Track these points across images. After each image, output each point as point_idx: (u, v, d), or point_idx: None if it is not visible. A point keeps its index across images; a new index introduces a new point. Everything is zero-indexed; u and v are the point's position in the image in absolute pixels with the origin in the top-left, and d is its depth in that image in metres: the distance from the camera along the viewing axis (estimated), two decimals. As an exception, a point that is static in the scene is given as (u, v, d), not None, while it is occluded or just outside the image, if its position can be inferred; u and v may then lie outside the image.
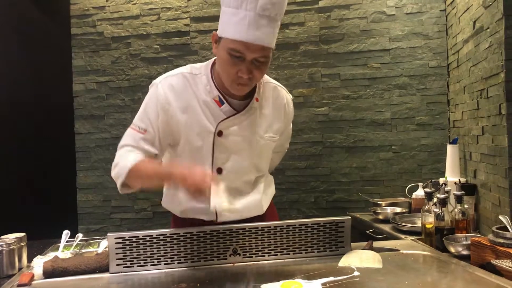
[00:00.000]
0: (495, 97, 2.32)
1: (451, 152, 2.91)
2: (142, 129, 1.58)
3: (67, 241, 1.97)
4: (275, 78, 3.57)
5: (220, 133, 1.59)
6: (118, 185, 1.55)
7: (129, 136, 1.61)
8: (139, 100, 3.61)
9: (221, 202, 1.41)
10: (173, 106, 1.57)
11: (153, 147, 1.59)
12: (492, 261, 1.48)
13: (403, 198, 3.21)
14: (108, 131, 3.66)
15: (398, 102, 3.50)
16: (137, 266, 1.54)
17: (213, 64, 1.63)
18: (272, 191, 1.86)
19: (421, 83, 3.47)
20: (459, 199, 1.94)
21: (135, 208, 3.64)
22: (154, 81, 1.62)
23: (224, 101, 1.59)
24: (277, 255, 1.62)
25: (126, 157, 1.54)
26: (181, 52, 3.63)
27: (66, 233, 1.97)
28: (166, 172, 1.51)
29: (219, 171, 1.62)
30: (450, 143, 3.00)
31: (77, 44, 3.70)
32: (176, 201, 1.70)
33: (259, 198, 1.73)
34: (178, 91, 1.58)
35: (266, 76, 1.69)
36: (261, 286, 1.32)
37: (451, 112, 3.33)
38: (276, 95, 1.71)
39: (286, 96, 1.76)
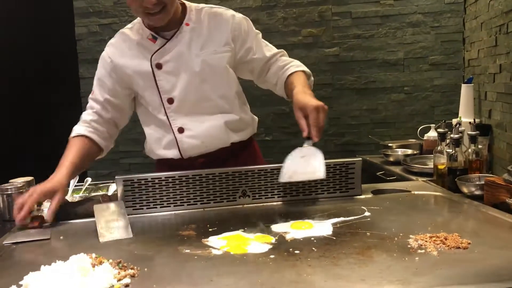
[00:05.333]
0: (516, 32, 2.22)
1: (466, 92, 2.83)
2: (92, 90, 1.75)
3: (76, 186, 1.97)
4: (283, 17, 3.43)
5: (158, 66, 1.63)
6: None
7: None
8: (144, 43, 3.52)
9: None
10: (114, 59, 1.68)
11: (97, 104, 1.71)
12: (507, 200, 1.45)
13: (414, 140, 3.17)
14: (114, 75, 3.59)
15: (411, 41, 3.37)
16: (147, 208, 1.54)
17: None
18: (246, 128, 1.77)
19: (436, 21, 3.33)
20: (473, 139, 1.89)
21: (143, 153, 3.62)
22: None
23: (157, 36, 1.63)
24: (286, 196, 1.60)
25: (76, 126, 1.71)
26: (186, -9, 3.48)
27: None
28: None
29: (170, 101, 1.65)
30: (465, 82, 2.91)
31: (77, -16, 3.56)
32: (150, 144, 1.80)
33: (221, 124, 1.67)
34: (119, 46, 1.69)
35: (202, 5, 1.71)
36: (271, 227, 1.31)
37: (467, 51, 3.21)
38: (212, 14, 1.68)
39: (226, 11, 1.71)
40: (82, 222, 1.47)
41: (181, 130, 1.66)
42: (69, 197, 1.80)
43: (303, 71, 1.68)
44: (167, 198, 1.55)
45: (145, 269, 1.03)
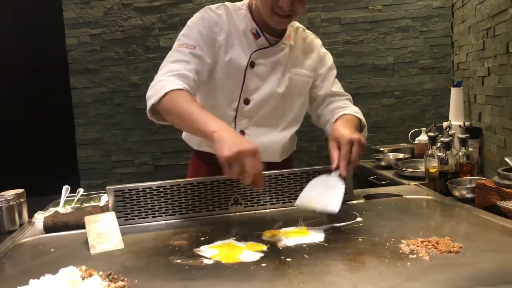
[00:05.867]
0: (503, 35, 2.24)
1: (455, 96, 2.85)
2: (191, 45, 1.54)
3: (68, 197, 1.95)
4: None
5: (252, 64, 1.60)
6: (148, 106, 1.44)
7: (174, 55, 1.53)
8: (134, 52, 3.53)
9: None
10: (220, 30, 1.58)
11: (201, 65, 1.53)
12: (497, 203, 1.45)
13: (406, 144, 3.18)
14: (104, 85, 3.58)
15: (400, 45, 3.40)
16: (138, 218, 1.53)
17: (249, 3, 1.65)
18: (293, 147, 1.82)
19: (424, 25, 3.36)
20: (463, 142, 1.90)
21: (136, 162, 3.63)
22: (198, 12, 1.63)
23: (261, 34, 1.61)
24: (279, 203, 1.60)
25: (168, 81, 1.43)
26: (175, 0, 3.49)
27: (66, 188, 1.96)
28: (206, 130, 1.27)
29: (246, 102, 1.62)
30: (454, 86, 2.93)
31: (66, -5, 3.56)
32: (200, 139, 1.67)
33: (281, 142, 1.69)
34: (222, 18, 1.60)
35: (297, 23, 1.73)
36: (264, 234, 1.30)
37: (455, 55, 3.24)
38: (304, 36, 1.73)
39: (317, 40, 1.77)
40: (73, 233, 1.46)
41: (242, 133, 1.63)
42: (60, 209, 1.79)
43: (358, 118, 1.63)
44: (158, 208, 1.53)
45: (136, 281, 1.02)
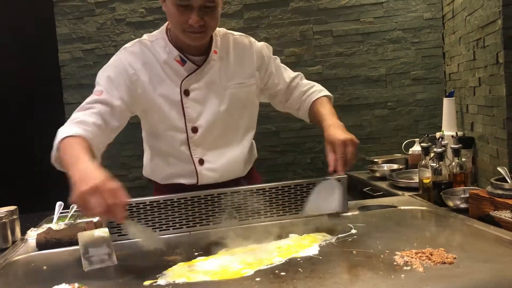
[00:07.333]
0: (492, 46, 2.26)
1: (448, 106, 2.87)
2: (99, 91, 1.52)
3: (61, 213, 1.94)
4: (265, 38, 3.45)
5: (186, 92, 1.57)
6: (52, 157, 1.44)
7: (83, 103, 1.52)
8: (128, 67, 3.53)
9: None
10: (137, 71, 1.55)
11: (107, 108, 1.49)
12: (491, 213, 1.46)
13: (400, 154, 3.19)
14: (98, 100, 3.57)
15: (392, 57, 3.42)
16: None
17: (167, 28, 1.61)
18: (254, 155, 1.81)
19: (416, 37, 3.39)
20: (456, 153, 1.91)
21: (130, 176, 3.61)
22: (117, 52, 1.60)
23: (186, 59, 1.56)
24: (273, 216, 1.60)
25: (62, 130, 1.42)
26: (168, 15, 3.51)
27: (59, 205, 1.95)
28: (71, 175, 1.26)
29: (194, 130, 1.60)
30: (446, 96, 2.95)
31: (60, 11, 3.57)
32: (157, 168, 1.71)
33: (241, 157, 1.69)
34: (140, 57, 1.56)
35: (224, 29, 1.68)
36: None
37: (447, 65, 3.27)
38: (235, 43, 1.66)
39: (249, 40, 1.70)
40: (66, 250, 1.45)
41: (201, 161, 1.63)
42: (54, 225, 1.77)
43: (326, 96, 1.71)
44: (152, 223, 1.53)
45: (129, 298, 1.02)
